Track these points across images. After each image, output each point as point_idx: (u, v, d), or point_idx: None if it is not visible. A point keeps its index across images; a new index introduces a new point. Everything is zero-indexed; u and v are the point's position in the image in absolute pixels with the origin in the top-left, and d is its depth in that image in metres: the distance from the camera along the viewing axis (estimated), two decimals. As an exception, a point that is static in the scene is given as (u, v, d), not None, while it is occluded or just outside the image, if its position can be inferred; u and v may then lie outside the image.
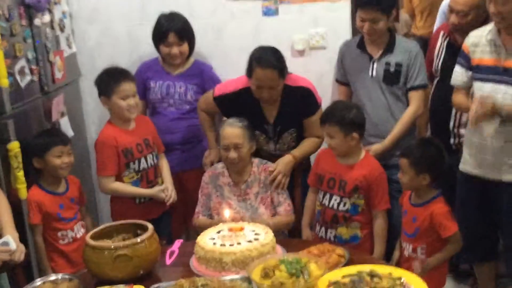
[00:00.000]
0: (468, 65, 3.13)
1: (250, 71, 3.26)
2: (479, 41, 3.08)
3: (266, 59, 3.22)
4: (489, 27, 3.05)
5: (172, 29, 3.65)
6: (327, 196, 3.07)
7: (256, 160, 3.24)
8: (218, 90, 3.49)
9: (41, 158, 3.16)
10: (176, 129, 3.75)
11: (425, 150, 2.91)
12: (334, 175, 3.06)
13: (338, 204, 3.03)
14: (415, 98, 3.46)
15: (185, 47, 3.72)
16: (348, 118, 2.97)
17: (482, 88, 3.05)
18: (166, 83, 3.75)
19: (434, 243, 2.87)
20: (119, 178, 3.41)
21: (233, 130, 3.14)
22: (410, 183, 2.89)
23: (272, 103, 3.36)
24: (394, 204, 3.12)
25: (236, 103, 3.38)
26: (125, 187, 3.41)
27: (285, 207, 3.16)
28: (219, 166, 3.28)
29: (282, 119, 3.36)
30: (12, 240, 2.48)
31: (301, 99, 3.34)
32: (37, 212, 3.10)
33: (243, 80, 3.40)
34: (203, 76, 3.81)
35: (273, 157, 3.37)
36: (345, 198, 3.01)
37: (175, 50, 3.68)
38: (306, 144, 3.40)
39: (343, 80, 3.67)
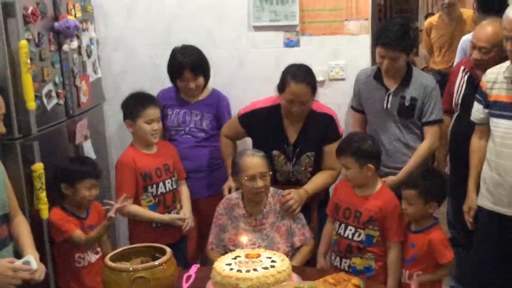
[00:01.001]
0: (486, 102, 3.13)
1: (283, 86, 3.29)
2: (496, 77, 3.08)
3: (301, 74, 3.27)
4: (506, 64, 3.05)
5: (187, 66, 3.64)
6: (343, 226, 3.06)
7: (271, 190, 3.21)
8: (243, 109, 3.53)
9: (71, 186, 3.18)
10: (191, 156, 3.73)
11: (431, 180, 2.94)
12: (350, 205, 3.05)
13: (353, 234, 3.02)
14: (430, 133, 3.47)
15: (200, 80, 3.72)
16: (363, 149, 2.98)
17: (498, 124, 3.05)
18: (183, 111, 3.76)
19: (428, 269, 2.88)
20: (136, 201, 3.42)
21: (256, 159, 3.12)
22: (418, 212, 2.91)
23: (296, 122, 3.37)
24: None
25: (260, 121, 3.42)
26: (142, 211, 3.42)
27: (299, 236, 3.14)
28: (234, 197, 3.25)
29: (303, 141, 3.37)
30: (33, 259, 2.50)
31: (323, 125, 3.36)
32: (71, 223, 3.14)
33: (268, 100, 3.46)
34: (219, 107, 3.83)
35: (289, 179, 3.40)
36: (359, 229, 3.00)
37: (191, 85, 3.69)
38: (319, 178, 3.39)
39: (358, 107, 3.68)
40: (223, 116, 3.82)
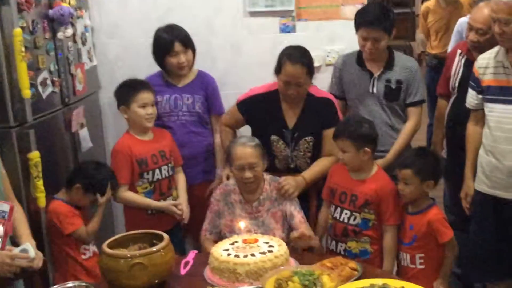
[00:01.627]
0: (479, 88, 3.14)
1: (279, 67, 3.27)
2: (488, 62, 3.09)
3: (297, 55, 3.25)
4: (497, 48, 3.06)
5: (177, 39, 3.63)
6: (338, 210, 3.07)
7: (268, 177, 3.20)
8: (242, 96, 3.51)
9: (83, 192, 3.23)
10: (186, 143, 3.70)
11: (425, 159, 2.95)
12: (346, 189, 3.06)
13: (349, 218, 3.03)
14: (415, 114, 3.51)
15: (190, 54, 3.71)
16: (360, 132, 2.98)
17: (493, 109, 3.06)
18: (173, 96, 3.71)
19: (431, 252, 2.88)
20: (132, 187, 3.42)
21: (246, 150, 3.08)
22: (415, 192, 2.91)
23: (295, 106, 3.36)
24: None
25: (258, 107, 3.41)
26: (137, 198, 3.41)
27: (299, 218, 3.10)
28: (231, 183, 3.23)
29: (301, 125, 3.35)
30: (31, 247, 2.49)
31: (322, 110, 3.35)
32: (76, 217, 3.19)
33: (266, 86, 3.45)
34: (208, 88, 3.80)
35: (289, 165, 3.38)
36: (355, 212, 3.01)
37: (182, 58, 3.66)
38: (317, 165, 3.35)
39: (339, 94, 3.65)
40: (214, 96, 3.81)
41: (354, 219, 3.01)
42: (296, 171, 3.37)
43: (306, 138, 3.34)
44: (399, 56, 3.55)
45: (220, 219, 3.15)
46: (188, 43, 3.69)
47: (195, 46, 3.80)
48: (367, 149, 2.97)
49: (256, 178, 3.06)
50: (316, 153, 3.38)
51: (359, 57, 3.55)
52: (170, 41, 3.63)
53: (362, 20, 3.43)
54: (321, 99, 3.38)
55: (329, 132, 3.27)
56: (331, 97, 3.43)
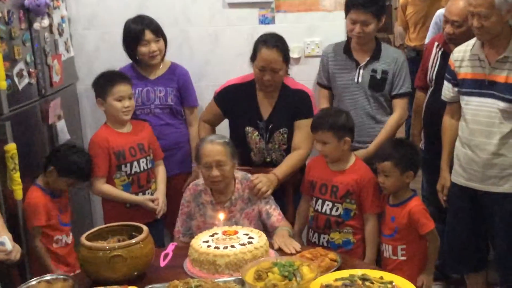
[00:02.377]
0: (455, 81, 3.16)
1: (254, 54, 3.27)
2: (464, 55, 3.11)
3: (272, 40, 3.26)
4: (473, 41, 3.08)
5: (147, 27, 3.63)
6: (320, 202, 3.08)
7: (239, 175, 3.11)
8: (218, 88, 3.51)
9: (58, 175, 3.18)
10: (159, 135, 3.67)
11: (404, 149, 2.96)
12: (326, 181, 3.07)
13: (331, 209, 3.04)
14: (400, 105, 3.52)
15: (161, 43, 3.70)
16: (339, 123, 3.00)
17: (469, 102, 3.08)
18: (145, 89, 3.69)
19: (413, 244, 2.90)
20: (110, 180, 3.40)
21: (214, 147, 2.98)
22: (396, 184, 2.92)
23: (270, 97, 3.35)
24: None
25: (234, 98, 3.40)
26: (114, 191, 3.39)
27: (276, 217, 3.04)
28: (201, 183, 3.11)
29: (276, 117, 3.35)
30: (8, 240, 2.48)
31: (297, 101, 3.34)
32: (43, 214, 3.11)
33: (242, 77, 3.45)
34: (181, 80, 3.80)
35: (265, 158, 3.38)
36: (337, 203, 3.02)
37: (154, 47, 3.64)
38: (289, 161, 3.31)
39: (326, 83, 3.68)
40: (187, 89, 3.81)
41: (336, 210, 3.02)
42: (273, 165, 3.36)
43: (280, 130, 3.34)
44: (386, 48, 3.58)
45: (192, 220, 3.08)
46: (158, 31, 3.69)
47: (173, 37, 3.79)
48: (347, 138, 2.99)
49: (224, 177, 2.96)
50: (290, 147, 3.38)
51: (346, 46, 3.57)
52: (140, 30, 3.63)
53: (352, 3, 3.44)
54: (296, 91, 3.38)
55: (300, 123, 3.29)
56: (308, 90, 3.44)
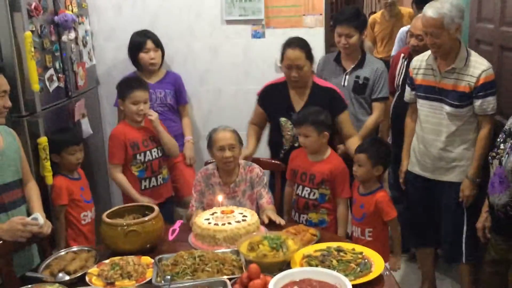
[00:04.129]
0: (413, 85, 3.17)
1: (282, 55, 3.19)
2: (420, 64, 3.11)
3: (295, 42, 3.18)
4: (428, 53, 3.08)
5: (149, 38, 3.72)
6: (300, 187, 3.07)
7: (242, 163, 3.09)
8: (259, 91, 3.43)
9: (58, 154, 3.14)
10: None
11: (378, 147, 2.94)
12: (306, 170, 3.05)
13: (309, 194, 3.03)
14: (378, 108, 3.52)
15: (159, 53, 3.76)
16: (320, 119, 2.98)
17: (423, 104, 3.10)
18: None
19: (378, 228, 2.88)
20: (127, 167, 3.38)
21: (225, 133, 2.98)
22: (366, 174, 2.90)
23: (301, 92, 3.23)
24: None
25: (271, 95, 3.33)
26: (124, 183, 3.35)
27: (266, 199, 3.02)
28: (210, 167, 3.08)
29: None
30: (40, 216, 2.48)
31: (328, 98, 3.20)
32: (65, 195, 3.08)
33: (277, 79, 3.36)
34: (176, 84, 3.83)
35: (293, 143, 3.25)
36: (314, 189, 3.01)
37: (152, 55, 3.70)
38: (352, 147, 3.13)
39: None
40: (181, 90, 3.86)
41: (314, 195, 3.02)
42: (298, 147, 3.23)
43: None
44: (369, 58, 3.57)
45: (203, 197, 3.07)
46: (158, 43, 3.77)
47: (179, 48, 3.80)
48: (326, 133, 2.99)
49: (234, 158, 2.97)
50: (343, 136, 3.25)
51: (338, 56, 3.57)
52: (143, 40, 3.71)
53: (337, 19, 3.47)
54: (326, 88, 3.25)
55: (342, 117, 3.19)
56: (335, 87, 3.30)
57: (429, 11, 2.85)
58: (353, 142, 3.16)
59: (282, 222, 2.77)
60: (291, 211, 3.17)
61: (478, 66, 2.88)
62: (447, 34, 2.84)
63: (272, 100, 3.31)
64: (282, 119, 3.25)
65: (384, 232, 2.92)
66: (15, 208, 2.53)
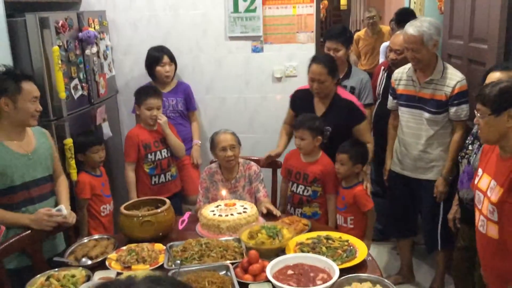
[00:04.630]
0: (394, 95, 3.17)
1: (308, 68, 3.12)
2: (401, 76, 3.10)
3: (320, 58, 3.11)
4: (408, 65, 3.07)
5: (165, 53, 3.69)
6: (295, 185, 3.06)
7: (241, 161, 3.08)
8: (292, 93, 3.39)
9: (83, 154, 3.13)
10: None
11: (358, 148, 2.94)
12: (300, 169, 3.04)
13: (303, 191, 3.03)
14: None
15: (173, 67, 3.74)
16: (316, 125, 2.98)
17: (404, 112, 3.09)
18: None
19: (358, 216, 2.87)
20: (140, 165, 3.38)
21: (226, 135, 2.99)
22: (347, 171, 2.89)
23: (323, 102, 3.14)
24: None
25: (299, 99, 3.27)
26: (130, 182, 3.35)
27: (263, 193, 3.01)
28: (213, 166, 3.07)
29: (325, 117, 3.09)
30: (64, 208, 2.47)
31: (346, 109, 3.09)
32: (88, 190, 3.07)
33: (306, 85, 3.23)
34: (186, 92, 3.82)
35: None
36: (307, 186, 3.01)
37: (167, 68, 3.69)
38: None
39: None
40: (190, 97, 3.83)
41: (307, 192, 3.01)
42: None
43: (326, 127, 3.07)
44: (355, 70, 3.54)
45: (208, 193, 3.05)
46: (172, 58, 3.75)
47: (188, 61, 3.78)
48: (319, 137, 2.98)
49: (235, 157, 2.97)
50: (330, 142, 3.08)
51: None
52: (160, 55, 3.69)
53: (327, 35, 3.47)
54: (346, 100, 3.12)
55: (358, 127, 3.09)
56: (354, 99, 3.16)
57: (410, 29, 2.85)
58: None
59: (278, 213, 2.77)
60: (286, 203, 3.16)
61: (454, 78, 2.88)
62: (426, 50, 2.84)
63: (299, 103, 3.25)
64: None
65: (364, 221, 2.91)
66: (43, 201, 2.52)
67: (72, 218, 2.50)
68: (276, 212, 2.77)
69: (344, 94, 3.16)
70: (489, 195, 2.03)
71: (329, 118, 3.08)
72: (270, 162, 3.29)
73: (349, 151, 2.90)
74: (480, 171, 2.19)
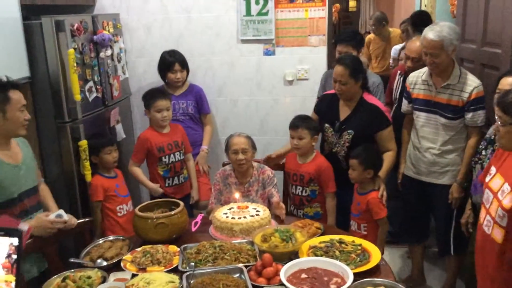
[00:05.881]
0: (409, 99, 3.13)
1: (330, 69, 3.09)
2: (416, 80, 3.07)
3: (343, 59, 3.03)
4: (424, 69, 3.04)
5: (177, 60, 3.67)
6: (294, 186, 3.05)
7: (255, 165, 3.07)
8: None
9: (96, 156, 3.15)
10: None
11: (369, 153, 2.89)
12: (296, 171, 3.03)
13: (301, 191, 3.01)
14: None
15: (184, 73, 3.73)
16: (313, 125, 3.00)
17: (419, 116, 3.05)
18: (172, 102, 3.61)
19: (371, 224, 2.84)
20: (154, 167, 3.38)
21: (240, 138, 2.97)
22: (358, 177, 2.86)
23: (349, 104, 3.08)
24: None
25: (323, 103, 3.23)
26: (138, 174, 3.38)
27: (276, 198, 2.98)
28: (228, 169, 3.05)
29: (349, 121, 3.05)
30: (63, 212, 2.41)
31: (371, 114, 3.02)
32: (100, 192, 3.08)
33: (332, 90, 3.19)
34: (197, 95, 3.80)
35: (331, 149, 3.11)
36: (305, 187, 2.99)
37: (178, 75, 3.67)
38: (386, 161, 3.00)
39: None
40: (202, 100, 3.81)
41: (305, 192, 3.00)
42: (335, 154, 3.10)
43: (348, 131, 3.04)
44: (368, 73, 3.44)
45: (221, 196, 3.05)
46: (184, 65, 3.72)
47: (201, 64, 3.78)
48: (316, 136, 2.99)
49: (246, 161, 2.95)
50: (353, 146, 3.01)
51: None
52: (172, 62, 3.67)
53: (338, 39, 3.45)
54: (371, 105, 3.04)
55: (382, 134, 3.02)
56: (380, 104, 3.09)
57: (430, 33, 2.81)
58: (386, 156, 3.02)
59: (282, 214, 2.77)
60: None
61: (470, 83, 2.85)
62: (445, 55, 2.81)
63: (324, 107, 3.21)
64: (326, 125, 3.14)
65: (377, 228, 2.86)
66: (36, 211, 2.47)
67: (74, 220, 2.44)
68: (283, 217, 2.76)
69: (371, 99, 3.09)
70: (501, 198, 2.01)
71: (352, 121, 3.04)
72: (277, 164, 3.27)
73: (360, 156, 2.87)
74: (493, 169, 2.15)
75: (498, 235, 2.02)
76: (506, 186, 2.00)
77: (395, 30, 6.17)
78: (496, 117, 2.03)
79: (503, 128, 2.00)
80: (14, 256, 1.60)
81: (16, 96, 2.32)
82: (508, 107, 1.96)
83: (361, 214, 2.86)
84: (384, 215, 2.82)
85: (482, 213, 2.15)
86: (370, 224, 2.85)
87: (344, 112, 3.10)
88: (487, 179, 2.17)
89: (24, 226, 2.16)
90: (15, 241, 1.60)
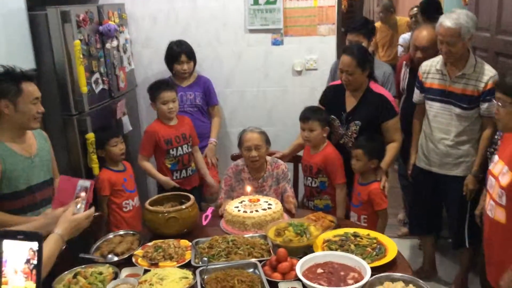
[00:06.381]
0: (422, 88, 3.07)
1: (339, 59, 3.05)
2: (430, 69, 3.01)
3: (350, 48, 2.98)
4: (437, 59, 2.98)
5: (183, 51, 3.62)
6: (305, 178, 3.05)
7: (269, 160, 2.98)
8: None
9: (103, 149, 3.11)
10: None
11: (374, 143, 2.86)
12: (307, 162, 3.02)
13: (311, 183, 3.00)
14: None
15: (191, 64, 3.68)
16: (323, 116, 2.97)
17: (432, 106, 3.00)
18: (180, 94, 3.60)
19: (371, 215, 2.82)
20: (162, 160, 3.34)
21: (253, 134, 2.90)
22: (363, 167, 2.84)
23: (355, 95, 3.02)
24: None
25: (330, 94, 3.18)
26: (149, 168, 3.34)
27: (290, 193, 2.93)
28: (240, 164, 2.98)
29: (356, 111, 3.00)
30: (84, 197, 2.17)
31: (378, 104, 2.96)
32: (107, 187, 3.05)
33: (338, 81, 3.14)
34: (205, 86, 3.75)
35: (339, 140, 3.08)
36: (314, 178, 2.98)
37: (185, 66, 3.63)
38: (389, 152, 2.96)
39: None
40: (210, 92, 3.76)
41: (315, 183, 2.98)
42: (343, 146, 3.06)
43: (355, 122, 2.99)
44: (378, 62, 3.45)
45: (232, 191, 2.99)
46: (191, 56, 3.67)
47: (207, 54, 3.72)
48: (326, 128, 2.96)
49: (260, 157, 2.89)
50: (358, 136, 2.99)
51: None
52: (178, 53, 3.63)
53: (348, 28, 3.39)
54: (378, 95, 2.98)
55: (388, 124, 2.97)
56: (388, 94, 3.03)
57: (447, 21, 2.74)
58: (390, 147, 2.98)
59: (292, 208, 2.74)
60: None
61: (486, 73, 2.79)
62: (462, 43, 2.75)
63: (330, 98, 3.16)
64: (333, 117, 3.09)
65: (377, 220, 2.84)
66: (46, 205, 2.43)
67: (92, 209, 2.32)
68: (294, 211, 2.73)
69: (377, 88, 3.04)
70: (500, 179, 2.04)
71: (359, 112, 2.99)
72: (294, 156, 3.24)
73: (364, 146, 2.84)
74: (496, 157, 2.20)
75: (500, 215, 2.04)
76: (506, 168, 2.05)
77: (401, 18, 6.10)
78: (495, 99, 2.06)
79: (503, 109, 2.02)
80: (34, 262, 1.52)
81: (29, 88, 2.29)
82: (507, 88, 2.00)
83: (362, 205, 2.84)
84: (385, 207, 2.81)
85: (487, 199, 2.18)
86: (370, 216, 2.83)
87: (350, 103, 3.05)
88: (490, 167, 2.21)
89: (85, 182, 2.08)
90: (34, 245, 1.52)
